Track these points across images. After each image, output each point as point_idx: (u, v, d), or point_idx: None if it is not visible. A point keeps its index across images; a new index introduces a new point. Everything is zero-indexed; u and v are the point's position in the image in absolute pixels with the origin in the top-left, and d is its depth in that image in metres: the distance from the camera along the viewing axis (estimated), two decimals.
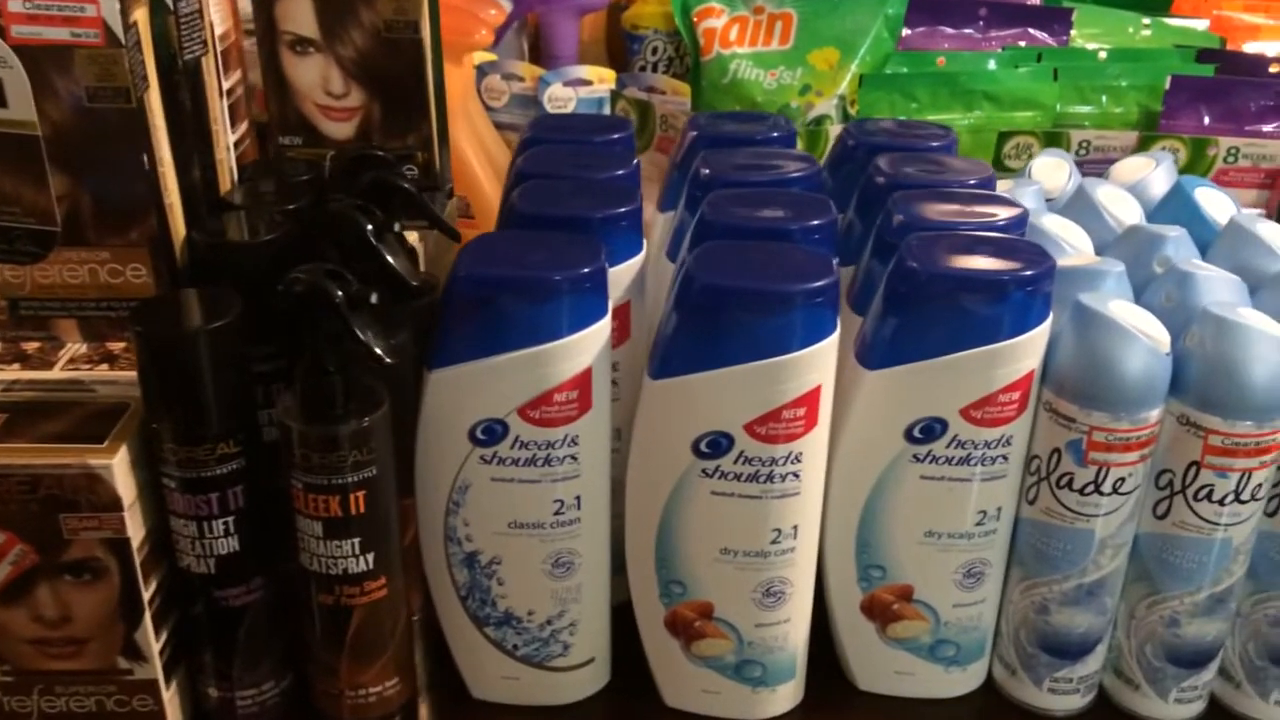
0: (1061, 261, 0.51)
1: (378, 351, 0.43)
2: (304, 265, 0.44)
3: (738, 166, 0.56)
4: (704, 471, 0.46)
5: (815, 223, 0.49)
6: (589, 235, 0.47)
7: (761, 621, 0.49)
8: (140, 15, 0.46)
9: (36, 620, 0.46)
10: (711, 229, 0.49)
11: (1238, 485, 0.46)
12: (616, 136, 0.60)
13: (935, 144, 0.60)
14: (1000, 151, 0.83)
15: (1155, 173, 0.62)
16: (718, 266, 0.45)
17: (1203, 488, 0.46)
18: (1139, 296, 0.50)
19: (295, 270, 0.44)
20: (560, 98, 0.97)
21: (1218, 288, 0.49)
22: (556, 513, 0.48)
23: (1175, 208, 0.58)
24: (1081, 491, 0.47)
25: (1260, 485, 0.46)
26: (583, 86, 0.98)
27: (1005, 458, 0.48)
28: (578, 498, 0.48)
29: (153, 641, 0.46)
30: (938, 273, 0.45)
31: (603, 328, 0.46)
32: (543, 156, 0.56)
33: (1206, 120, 0.83)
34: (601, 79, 0.99)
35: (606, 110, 0.95)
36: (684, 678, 0.51)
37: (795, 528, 0.48)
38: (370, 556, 0.47)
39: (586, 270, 0.45)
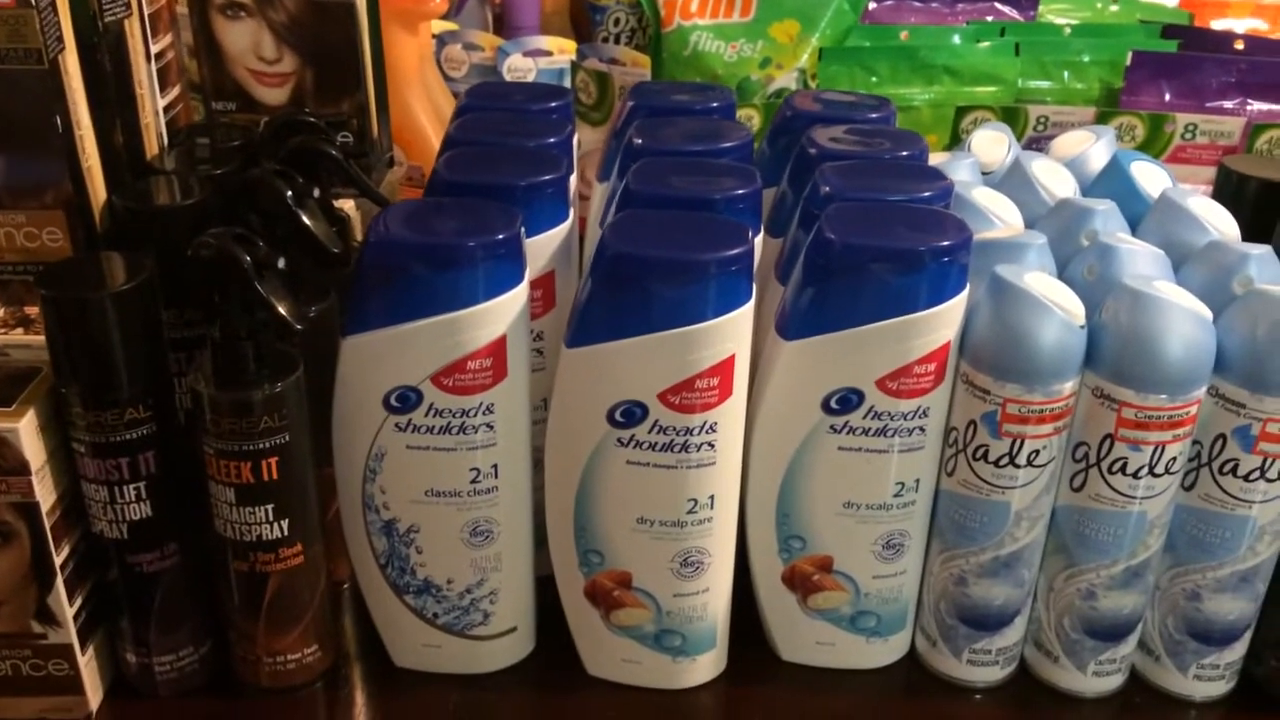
0: (986, 234, 0.51)
1: (284, 315, 0.43)
2: (214, 230, 0.44)
3: (671, 136, 0.55)
4: (619, 441, 0.46)
5: (738, 193, 0.49)
6: (509, 203, 0.47)
7: (680, 591, 0.49)
8: None
9: None
10: (634, 198, 0.49)
11: (1151, 459, 0.46)
12: (553, 105, 0.59)
13: (873, 116, 0.60)
14: (958, 126, 0.82)
15: (1095, 147, 0.62)
16: (633, 235, 0.45)
17: (1117, 460, 0.46)
18: (1066, 269, 0.50)
19: (204, 234, 0.43)
20: (520, 68, 0.97)
21: (1140, 261, 0.48)
22: (473, 481, 0.48)
23: (1111, 182, 0.58)
24: (997, 464, 0.47)
25: (1174, 459, 0.46)
26: (542, 57, 0.98)
27: (923, 429, 0.48)
28: (495, 466, 0.48)
29: (66, 606, 0.46)
30: (852, 244, 0.45)
31: (518, 295, 0.45)
32: (474, 123, 0.56)
33: (1168, 96, 0.83)
34: (562, 50, 0.98)
35: (567, 81, 0.94)
36: (604, 647, 0.52)
37: (712, 498, 0.48)
38: (285, 523, 0.47)
39: (500, 237, 0.44)
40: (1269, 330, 0.44)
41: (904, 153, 0.55)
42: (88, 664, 0.48)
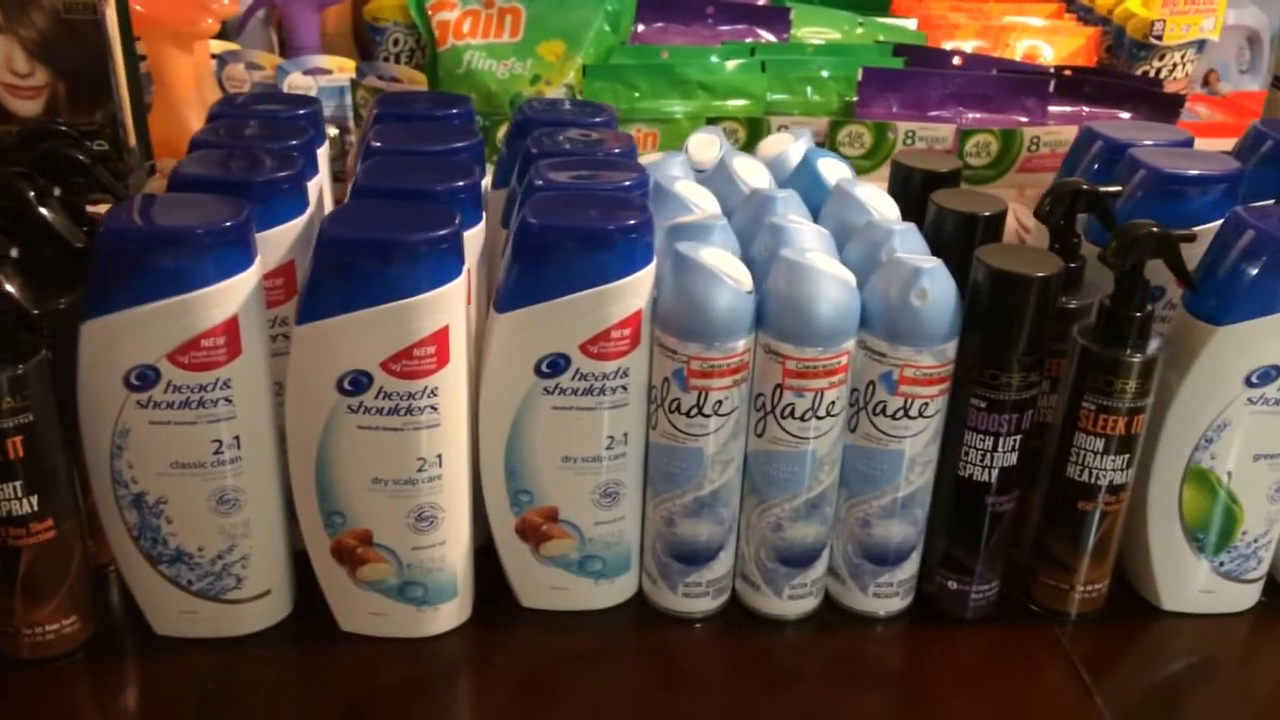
0: (681, 218, 0.58)
1: (13, 295, 0.46)
2: None
3: (409, 138, 0.61)
4: (349, 408, 0.51)
5: (458, 184, 0.55)
6: (245, 198, 0.52)
7: (418, 545, 0.55)
8: None
9: None
10: (362, 191, 0.55)
11: (814, 403, 0.54)
12: (300, 112, 0.64)
13: (596, 120, 0.67)
14: None
15: (793, 147, 0.70)
16: (351, 222, 0.50)
17: (786, 406, 0.54)
18: (752, 247, 0.58)
19: None
20: (300, 86, 1.01)
21: (805, 237, 0.57)
22: (216, 453, 0.52)
23: (802, 175, 0.66)
24: (688, 414, 0.54)
25: (834, 403, 0.54)
26: (323, 75, 1.02)
27: (625, 388, 0.55)
28: (237, 438, 0.52)
29: None
30: (548, 225, 0.51)
31: (248, 278, 0.50)
32: (223, 129, 0.60)
33: (894, 108, 0.93)
34: (341, 68, 1.03)
35: (348, 99, 0.99)
36: (353, 602, 0.56)
37: (440, 457, 0.53)
38: (34, 499, 0.50)
39: (228, 225, 0.49)
40: (899, 290, 0.53)
41: (615, 150, 0.62)
42: None
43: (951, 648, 0.59)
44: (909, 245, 0.57)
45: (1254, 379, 0.55)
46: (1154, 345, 0.55)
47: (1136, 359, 0.54)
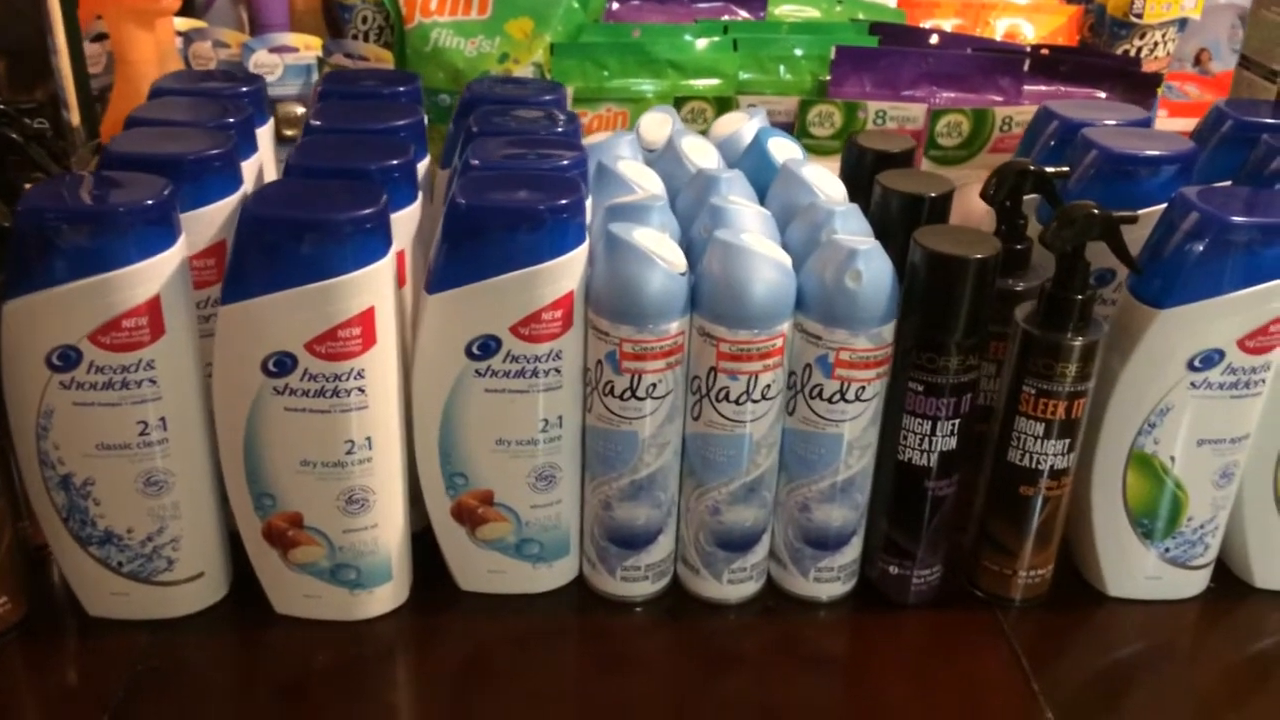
0: (619, 199, 0.57)
1: None
2: None
3: (350, 116, 0.61)
4: (275, 389, 0.51)
5: (391, 163, 0.55)
6: (173, 177, 0.51)
7: (349, 528, 0.54)
8: None
9: None
10: (294, 169, 0.54)
11: (749, 386, 0.53)
12: (244, 90, 0.63)
13: (546, 98, 0.66)
14: (679, 115, 0.90)
15: (746, 126, 0.69)
16: (275, 200, 0.50)
17: (721, 390, 0.54)
18: (693, 228, 0.57)
19: None
20: (266, 64, 1.00)
21: (746, 219, 0.56)
22: (142, 434, 0.51)
23: (753, 154, 0.66)
24: (622, 397, 0.54)
25: (769, 386, 0.54)
26: (289, 53, 1.01)
27: (559, 370, 0.54)
28: (163, 419, 0.52)
29: None
30: (476, 205, 0.51)
31: (170, 257, 0.49)
32: (159, 107, 0.59)
33: (868, 87, 0.92)
34: (308, 46, 1.02)
35: (314, 77, 0.98)
36: (287, 585, 0.56)
37: (369, 439, 0.53)
38: None
39: (150, 202, 0.48)
40: (834, 272, 0.52)
41: (557, 130, 0.61)
42: None
43: (893, 633, 0.59)
44: (850, 226, 0.56)
45: (1196, 363, 0.54)
46: (1096, 329, 0.54)
47: (1077, 342, 0.54)
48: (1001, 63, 0.89)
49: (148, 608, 0.56)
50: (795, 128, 0.86)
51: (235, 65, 1.00)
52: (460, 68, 0.93)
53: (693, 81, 0.91)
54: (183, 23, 1.00)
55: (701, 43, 0.90)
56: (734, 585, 0.59)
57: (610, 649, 0.58)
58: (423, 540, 0.59)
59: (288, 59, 1.00)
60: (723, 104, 0.88)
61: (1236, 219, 0.52)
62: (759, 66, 0.92)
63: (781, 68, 0.93)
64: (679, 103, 0.89)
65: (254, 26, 1.07)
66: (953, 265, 0.52)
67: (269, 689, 0.54)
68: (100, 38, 0.93)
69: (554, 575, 0.60)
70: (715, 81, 0.91)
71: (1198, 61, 1.34)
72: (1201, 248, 0.52)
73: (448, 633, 0.58)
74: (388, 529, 0.55)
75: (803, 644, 0.58)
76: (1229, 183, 0.63)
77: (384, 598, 0.57)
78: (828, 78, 0.91)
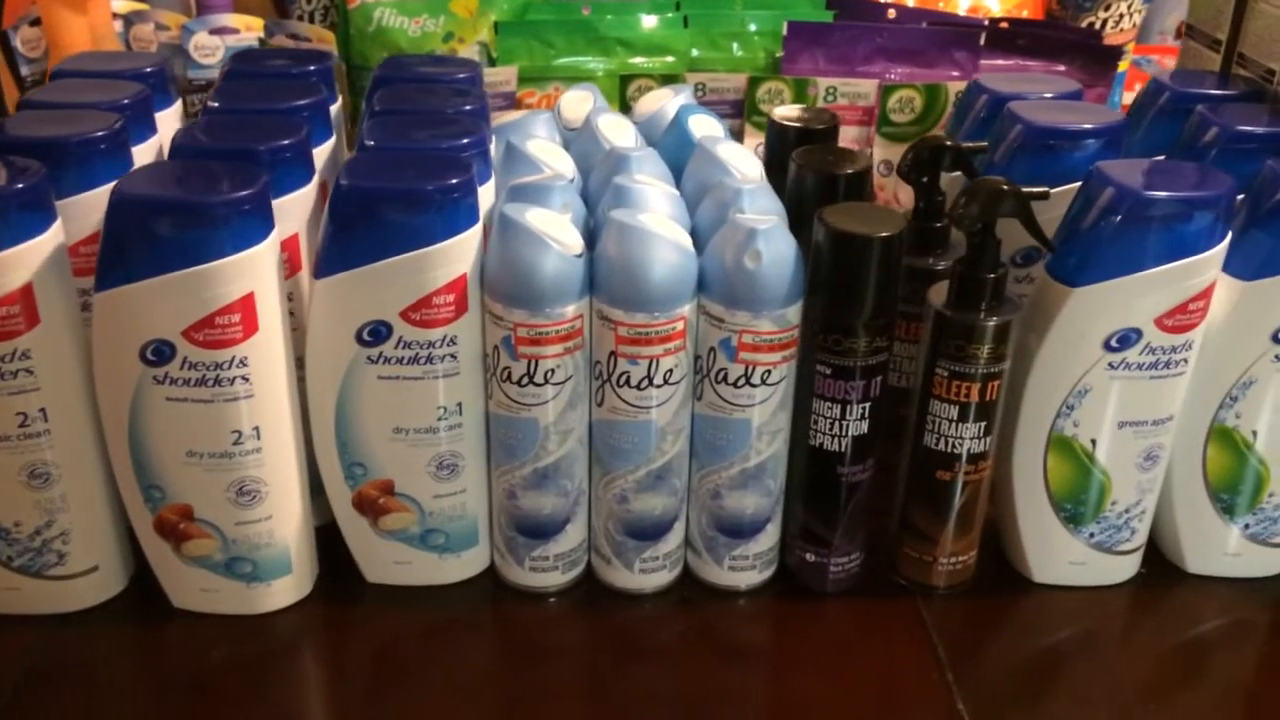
0: (523, 179, 0.56)
1: None
2: None
3: (250, 96, 0.59)
4: (155, 379, 0.49)
5: (282, 143, 0.53)
6: (58, 156, 0.49)
7: (241, 520, 0.53)
8: None
9: None
10: (180, 150, 0.52)
11: (649, 371, 0.52)
12: (148, 70, 0.62)
13: (460, 76, 0.65)
14: (625, 93, 0.88)
15: (670, 103, 0.67)
16: (149, 181, 0.48)
17: (621, 374, 0.52)
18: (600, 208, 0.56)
19: None
20: (206, 45, 0.98)
21: (650, 199, 0.54)
22: (21, 425, 0.50)
23: (674, 132, 0.64)
24: (519, 383, 0.52)
25: (671, 371, 0.52)
26: (230, 34, 0.99)
27: (455, 356, 0.52)
28: (43, 410, 0.50)
29: None
30: (359, 187, 0.49)
31: (43, 243, 0.48)
32: (58, 88, 0.58)
33: (821, 63, 0.90)
34: (249, 27, 1.00)
35: None
36: (182, 579, 0.55)
37: (257, 429, 0.51)
38: None
39: (20, 186, 0.47)
40: (735, 252, 0.50)
41: (463, 108, 0.59)
42: None
43: (810, 623, 0.57)
44: (759, 205, 0.54)
45: (1113, 342, 0.52)
46: (1009, 308, 0.52)
47: (990, 323, 0.52)
48: (958, 37, 0.87)
49: (39, 603, 0.54)
50: (744, 106, 0.84)
51: (174, 48, 0.98)
52: (404, 48, 0.91)
53: (642, 59, 0.89)
54: (124, 5, 0.99)
55: (651, 20, 0.88)
56: (647, 575, 0.57)
57: (522, 640, 0.57)
58: (330, 532, 0.57)
59: (229, 40, 0.98)
60: (668, 81, 0.86)
61: (1151, 193, 0.50)
62: (711, 43, 0.90)
63: (735, 44, 0.91)
64: (627, 81, 0.87)
65: (200, 8, 1.05)
66: (857, 243, 0.50)
67: (164, 685, 0.53)
68: (37, 22, 0.91)
69: (463, 566, 0.58)
70: (667, 59, 0.89)
71: (1178, 35, 1.32)
72: (1116, 223, 0.51)
73: (354, 626, 0.57)
74: (284, 520, 0.54)
75: (718, 634, 0.57)
76: (1163, 157, 0.61)
77: (284, 591, 0.56)
78: (780, 54, 0.89)
